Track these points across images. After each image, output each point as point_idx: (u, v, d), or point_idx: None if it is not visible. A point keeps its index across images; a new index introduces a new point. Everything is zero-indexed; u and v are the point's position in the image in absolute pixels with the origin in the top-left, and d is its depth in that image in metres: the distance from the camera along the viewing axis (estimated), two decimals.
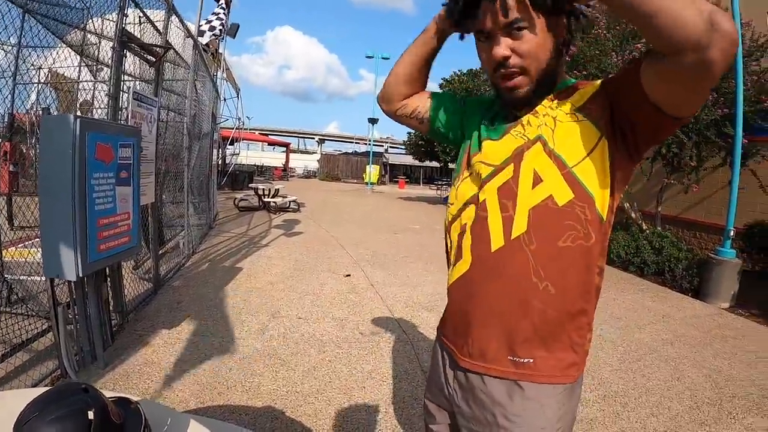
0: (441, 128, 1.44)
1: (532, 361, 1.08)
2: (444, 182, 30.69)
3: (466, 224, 1.18)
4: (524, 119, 1.16)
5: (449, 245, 1.26)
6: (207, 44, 12.36)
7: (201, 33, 11.89)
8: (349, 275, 6.42)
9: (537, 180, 1.06)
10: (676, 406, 3.32)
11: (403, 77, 1.40)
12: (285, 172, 37.11)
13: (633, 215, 9.01)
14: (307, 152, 63.49)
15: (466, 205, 1.20)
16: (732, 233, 6.47)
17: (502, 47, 1.05)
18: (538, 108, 1.15)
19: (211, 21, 12.87)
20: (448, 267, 1.27)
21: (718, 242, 7.10)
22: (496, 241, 1.09)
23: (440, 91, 1.43)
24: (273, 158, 46.09)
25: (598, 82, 1.12)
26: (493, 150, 1.18)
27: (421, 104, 1.44)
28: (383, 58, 30.94)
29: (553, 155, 1.06)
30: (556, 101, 1.14)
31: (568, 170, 1.05)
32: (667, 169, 8.52)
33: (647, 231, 8.58)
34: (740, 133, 6.45)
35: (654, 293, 6.68)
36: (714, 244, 8.24)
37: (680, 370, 3.93)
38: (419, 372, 3.58)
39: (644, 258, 7.80)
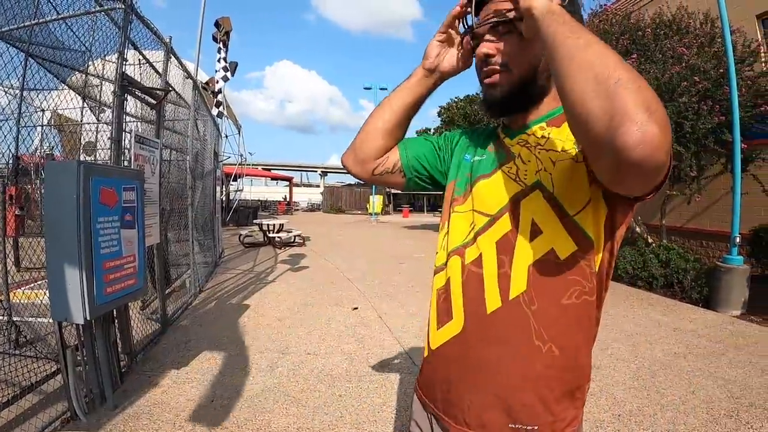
0: (426, 175, 1.32)
1: (537, 428, 0.99)
2: None
3: (450, 278, 1.09)
4: (516, 152, 1.08)
5: (434, 300, 1.16)
6: (206, 82, 12.55)
7: (218, 91, 12.15)
8: (356, 308, 6.39)
9: (536, 231, 0.98)
10: (692, 421, 3.27)
11: (383, 130, 1.27)
12: (288, 206, 37.28)
13: (638, 229, 8.99)
14: (310, 185, 63.92)
15: (451, 255, 1.11)
16: (738, 240, 6.44)
17: (486, 45, 1.03)
18: (530, 134, 1.08)
19: (219, 71, 13.10)
20: (429, 323, 1.18)
21: (725, 250, 7.06)
22: (493, 301, 1.00)
23: (413, 136, 1.40)
24: (276, 193, 46.37)
25: None
26: (487, 195, 1.09)
27: (401, 154, 1.31)
28: (381, 88, 31.33)
29: (553, 202, 0.98)
30: (550, 131, 1.05)
31: (569, 218, 0.96)
32: (668, 181, 8.52)
33: (653, 244, 8.54)
34: (738, 139, 6.47)
35: (664, 306, 6.62)
36: (721, 251, 8.20)
37: (695, 383, 3.88)
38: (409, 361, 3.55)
39: (652, 272, 7.75)
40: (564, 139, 1.02)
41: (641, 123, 0.65)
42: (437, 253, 1.19)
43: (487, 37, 1.04)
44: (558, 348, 0.98)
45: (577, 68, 0.73)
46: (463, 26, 1.15)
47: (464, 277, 1.06)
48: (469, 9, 1.10)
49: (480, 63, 1.07)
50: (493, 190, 1.07)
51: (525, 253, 0.98)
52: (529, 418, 0.98)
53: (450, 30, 1.17)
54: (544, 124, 1.08)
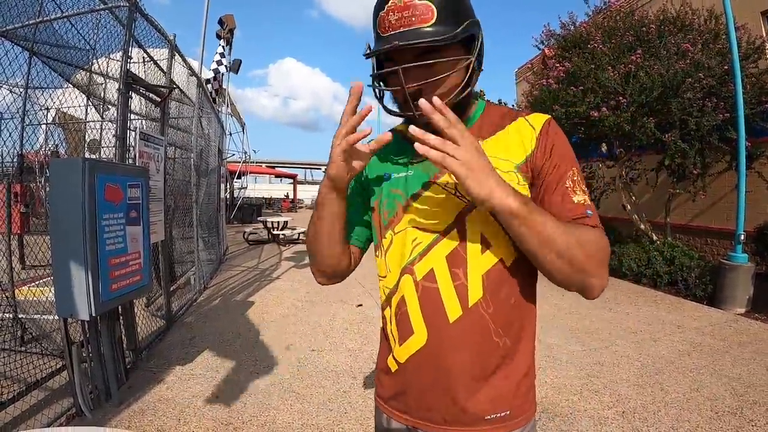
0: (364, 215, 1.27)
1: (508, 412, 1.09)
2: None
3: (405, 296, 1.11)
4: None
5: (390, 319, 1.18)
6: (207, 80, 12.57)
7: (207, 81, 12.10)
8: (360, 305, 6.39)
9: (486, 245, 1.05)
10: (696, 418, 3.27)
11: (333, 254, 1.22)
12: (293, 204, 37.28)
13: (642, 227, 8.95)
14: (314, 183, 63.90)
15: (402, 274, 1.12)
16: (742, 237, 6.40)
17: (415, 80, 0.99)
18: None
19: (218, 67, 13.06)
20: (387, 342, 1.20)
21: (730, 247, 7.03)
22: (453, 311, 1.05)
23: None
24: (280, 190, 46.38)
25: (533, 134, 1.08)
26: (428, 212, 1.10)
27: (355, 243, 1.31)
28: None
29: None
30: (482, 145, 1.02)
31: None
32: (673, 178, 8.49)
33: (658, 242, 8.52)
34: (743, 137, 6.43)
35: (668, 304, 6.61)
36: (726, 249, 8.15)
37: (699, 381, 3.88)
38: None
39: (656, 269, 7.73)
40: (500, 156, 1.06)
41: (601, 285, 0.99)
42: (385, 276, 1.19)
43: (414, 70, 0.99)
44: (511, 340, 1.08)
45: (544, 258, 0.95)
46: (377, 91, 1.10)
47: (419, 293, 1.09)
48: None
49: (405, 97, 1.00)
50: (434, 207, 1.09)
51: (477, 265, 1.05)
52: (500, 405, 1.08)
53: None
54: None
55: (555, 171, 1.06)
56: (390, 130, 1.23)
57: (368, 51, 1.05)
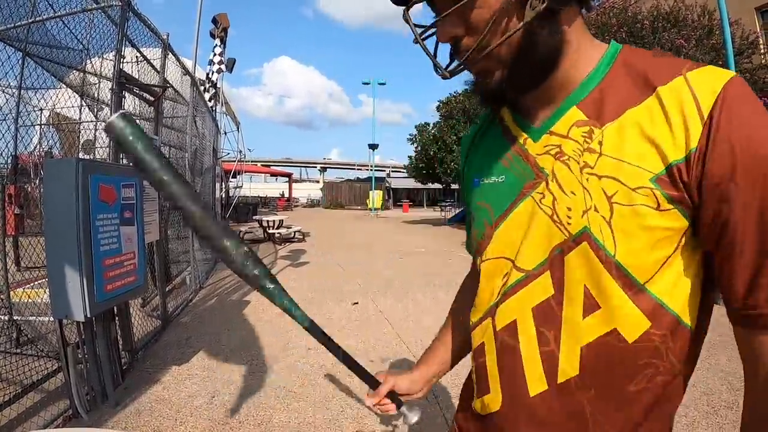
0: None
1: None
2: (448, 203, 30.52)
3: (484, 344, 0.84)
4: (546, 168, 0.74)
5: (472, 359, 0.92)
6: (212, 81, 12.48)
7: (208, 81, 12.03)
8: (356, 303, 6.39)
9: (591, 305, 0.70)
10: (693, 413, 3.28)
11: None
12: (288, 203, 37.28)
13: None
14: (309, 181, 63.95)
15: (484, 317, 0.85)
16: None
17: (448, 26, 0.69)
18: (564, 136, 0.73)
19: (213, 69, 12.97)
20: (471, 379, 0.95)
21: None
22: (535, 383, 0.75)
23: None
24: (276, 189, 46.40)
25: (699, 117, 0.61)
26: (517, 240, 0.78)
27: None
28: (380, 83, 31.22)
29: (614, 267, 0.67)
30: (600, 133, 0.69)
31: (638, 288, 0.67)
32: None
33: None
34: None
35: None
36: None
37: (695, 376, 3.84)
38: (431, 398, 3.55)
39: None
40: (626, 159, 0.66)
41: None
42: (475, 307, 0.90)
43: (450, 15, 0.67)
44: None
45: None
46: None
47: (497, 346, 0.81)
48: None
49: (451, 50, 0.74)
50: (523, 232, 0.77)
51: (576, 332, 0.71)
52: None
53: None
54: (579, 112, 0.73)
55: (744, 205, 0.60)
56: (481, 117, 0.96)
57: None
